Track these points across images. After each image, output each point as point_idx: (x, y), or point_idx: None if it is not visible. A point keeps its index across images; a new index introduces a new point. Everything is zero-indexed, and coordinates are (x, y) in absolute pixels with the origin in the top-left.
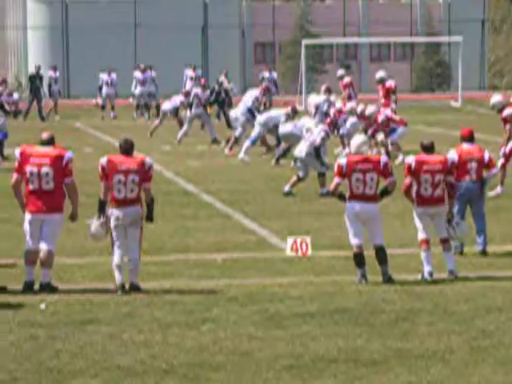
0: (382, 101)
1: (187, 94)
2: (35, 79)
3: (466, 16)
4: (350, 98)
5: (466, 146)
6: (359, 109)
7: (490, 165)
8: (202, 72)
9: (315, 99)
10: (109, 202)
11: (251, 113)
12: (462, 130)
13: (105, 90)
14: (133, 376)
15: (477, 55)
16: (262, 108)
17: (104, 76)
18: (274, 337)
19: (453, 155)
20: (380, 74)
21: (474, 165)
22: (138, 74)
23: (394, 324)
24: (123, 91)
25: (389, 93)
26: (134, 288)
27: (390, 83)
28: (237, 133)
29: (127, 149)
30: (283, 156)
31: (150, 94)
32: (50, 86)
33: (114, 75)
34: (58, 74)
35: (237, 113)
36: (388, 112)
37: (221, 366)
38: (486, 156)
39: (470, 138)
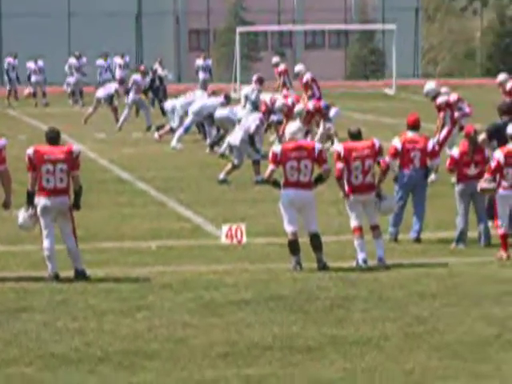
0: (309, 93)
1: (121, 82)
2: None
3: (399, 4)
4: (284, 85)
5: (410, 134)
6: (290, 101)
7: (433, 154)
8: (135, 60)
9: (244, 89)
10: (37, 192)
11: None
12: (408, 116)
13: (33, 78)
14: (67, 364)
15: (411, 43)
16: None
17: (31, 65)
18: (208, 324)
19: (396, 143)
20: (297, 68)
21: (417, 153)
22: (73, 61)
23: (328, 311)
24: (57, 79)
25: (306, 87)
26: (80, 274)
27: (306, 78)
28: (174, 124)
29: (53, 137)
30: (217, 143)
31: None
32: (7, 72)
33: (40, 62)
34: (16, 61)
35: (175, 105)
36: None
37: (155, 353)
38: (430, 145)
39: (414, 125)
